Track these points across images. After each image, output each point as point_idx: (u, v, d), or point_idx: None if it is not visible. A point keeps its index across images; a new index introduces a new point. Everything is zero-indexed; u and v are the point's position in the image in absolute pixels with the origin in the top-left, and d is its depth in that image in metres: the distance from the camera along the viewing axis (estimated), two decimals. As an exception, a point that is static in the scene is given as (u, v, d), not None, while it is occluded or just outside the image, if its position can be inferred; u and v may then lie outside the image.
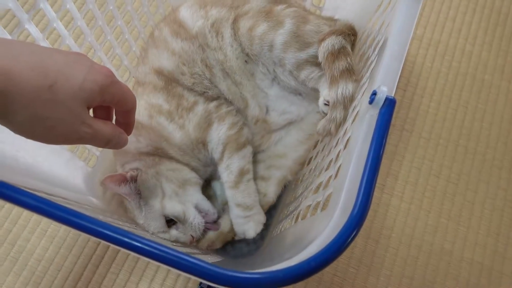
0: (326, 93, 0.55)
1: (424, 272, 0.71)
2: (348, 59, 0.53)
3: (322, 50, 0.54)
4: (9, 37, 0.46)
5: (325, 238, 0.31)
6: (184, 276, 0.69)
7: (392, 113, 0.34)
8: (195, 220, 0.58)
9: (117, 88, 0.39)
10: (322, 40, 0.55)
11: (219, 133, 0.60)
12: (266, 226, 0.69)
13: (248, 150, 0.62)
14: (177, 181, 0.59)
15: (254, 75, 0.64)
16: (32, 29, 0.50)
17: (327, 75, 0.54)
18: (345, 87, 0.51)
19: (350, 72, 0.52)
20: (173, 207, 0.58)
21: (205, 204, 0.61)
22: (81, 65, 0.35)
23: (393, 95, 0.36)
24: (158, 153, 0.60)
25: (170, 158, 0.61)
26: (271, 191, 0.66)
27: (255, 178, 0.67)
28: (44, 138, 0.35)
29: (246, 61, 0.63)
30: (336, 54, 0.53)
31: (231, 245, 0.69)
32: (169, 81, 0.61)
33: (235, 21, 0.61)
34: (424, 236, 0.73)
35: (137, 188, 0.57)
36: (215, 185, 0.69)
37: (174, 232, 0.59)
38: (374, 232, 0.73)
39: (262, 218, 0.62)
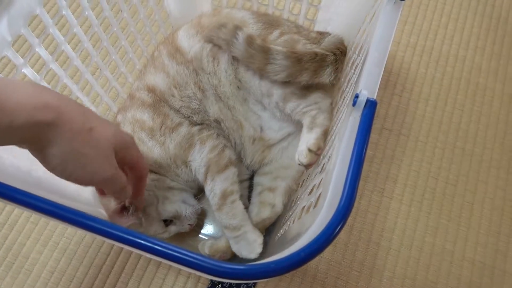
0: (302, 149, 0.57)
1: (426, 273, 0.72)
2: (257, 41, 0.58)
3: None
4: (21, 60, 0.50)
5: (314, 230, 0.33)
6: (191, 283, 0.71)
7: (373, 114, 0.37)
8: (187, 211, 0.64)
9: (136, 151, 0.46)
10: None
11: (201, 154, 0.62)
12: (269, 233, 0.71)
13: (231, 171, 0.63)
14: (163, 188, 0.63)
15: (247, 100, 0.67)
16: (42, 52, 0.54)
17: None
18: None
19: (250, 44, 0.58)
20: (168, 210, 0.62)
21: (190, 199, 0.66)
22: (113, 125, 0.43)
23: (374, 98, 0.38)
24: None
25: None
26: (278, 201, 0.68)
27: (263, 189, 0.69)
28: (72, 175, 0.39)
29: (238, 87, 0.65)
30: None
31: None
32: (158, 100, 0.64)
33: None
34: (425, 237, 0.75)
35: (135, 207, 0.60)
36: None
37: (173, 228, 0.64)
38: (375, 235, 0.75)
39: (254, 236, 0.61)
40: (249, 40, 0.57)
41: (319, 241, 0.32)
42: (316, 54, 0.58)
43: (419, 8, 0.98)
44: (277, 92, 0.61)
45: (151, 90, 0.64)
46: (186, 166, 0.64)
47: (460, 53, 0.93)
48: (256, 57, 0.58)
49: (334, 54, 0.60)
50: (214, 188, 0.61)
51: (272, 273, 0.31)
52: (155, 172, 0.64)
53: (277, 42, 0.63)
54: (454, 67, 0.91)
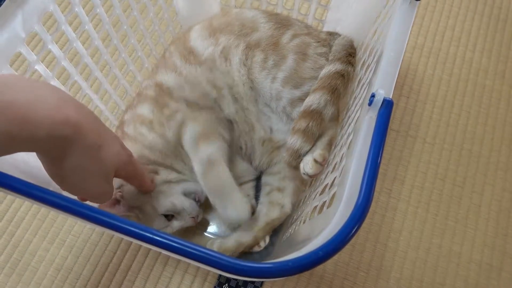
0: (308, 159, 0.58)
1: (434, 275, 0.72)
2: (310, 124, 0.58)
3: (304, 103, 0.59)
4: (34, 57, 0.50)
5: (332, 229, 0.33)
6: (198, 282, 0.71)
7: (390, 113, 0.37)
8: (187, 204, 0.62)
9: (133, 168, 0.50)
10: (312, 91, 0.60)
11: (193, 128, 0.60)
12: (276, 233, 0.71)
13: (219, 142, 0.60)
14: (157, 183, 0.61)
15: (258, 100, 0.67)
16: (54, 49, 0.54)
17: (293, 122, 0.60)
18: (295, 140, 0.58)
19: (305, 134, 0.58)
20: (162, 204, 0.60)
21: (191, 186, 0.64)
22: (118, 140, 0.46)
23: (391, 97, 0.38)
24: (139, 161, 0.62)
25: (152, 162, 0.62)
26: (287, 201, 0.68)
27: (271, 189, 0.69)
28: (70, 186, 0.42)
29: (251, 88, 0.65)
30: (307, 113, 0.58)
31: (244, 252, 0.71)
32: (162, 94, 0.63)
33: (248, 49, 0.64)
34: (432, 239, 0.75)
35: (127, 201, 0.60)
36: None
37: (175, 223, 0.63)
38: (383, 236, 0.75)
39: (240, 195, 0.57)
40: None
41: (337, 240, 0.32)
42: (342, 76, 0.59)
43: (426, 10, 0.98)
44: (286, 97, 0.62)
45: (159, 85, 0.64)
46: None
47: (467, 55, 0.93)
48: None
49: (352, 64, 0.61)
50: (200, 155, 0.58)
51: (290, 272, 0.31)
52: (159, 164, 0.63)
53: (290, 45, 0.63)
54: (461, 69, 0.91)
